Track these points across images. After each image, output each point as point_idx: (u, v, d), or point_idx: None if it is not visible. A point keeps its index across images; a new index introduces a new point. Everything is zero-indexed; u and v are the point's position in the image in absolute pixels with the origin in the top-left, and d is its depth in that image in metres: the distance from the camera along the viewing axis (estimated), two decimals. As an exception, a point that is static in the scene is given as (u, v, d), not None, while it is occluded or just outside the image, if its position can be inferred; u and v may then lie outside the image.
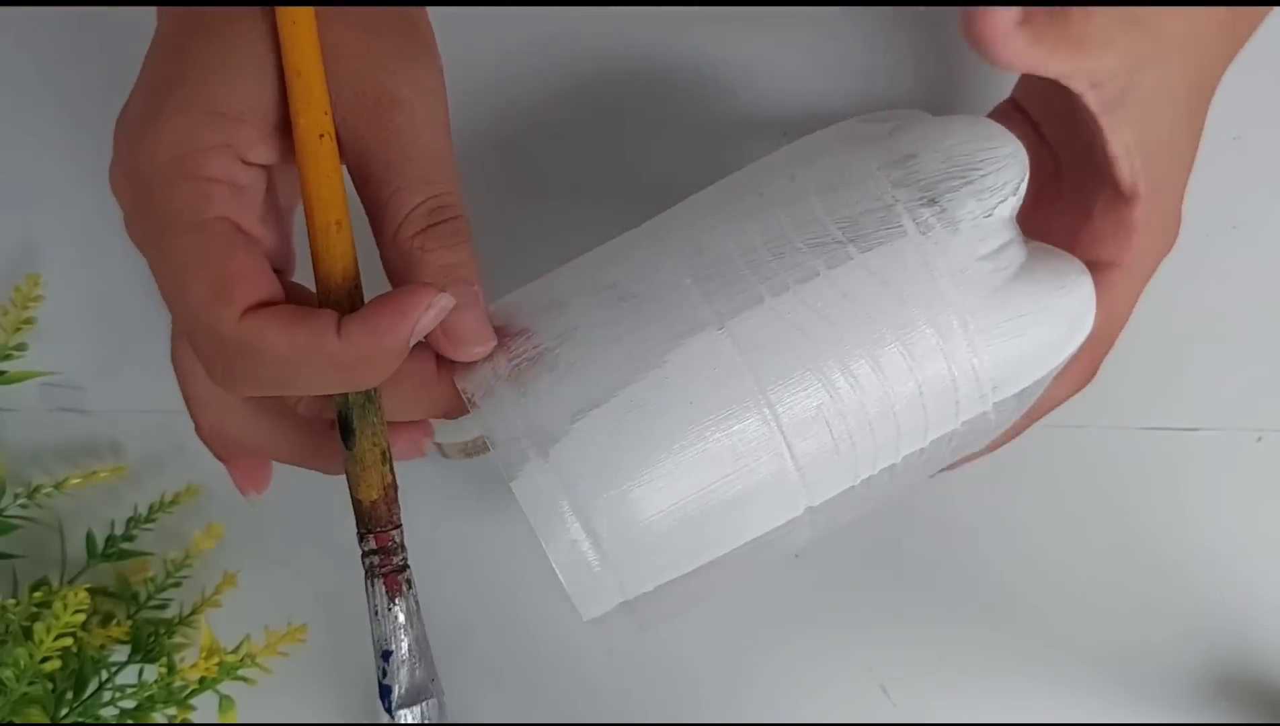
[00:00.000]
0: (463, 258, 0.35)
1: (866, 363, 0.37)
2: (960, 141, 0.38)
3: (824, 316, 0.36)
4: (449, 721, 0.39)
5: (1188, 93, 0.42)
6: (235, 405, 0.39)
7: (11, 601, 0.47)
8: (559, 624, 0.52)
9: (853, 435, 0.37)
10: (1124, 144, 0.40)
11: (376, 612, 0.38)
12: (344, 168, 0.36)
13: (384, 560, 0.38)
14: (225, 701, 0.49)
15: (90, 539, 0.51)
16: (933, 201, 0.37)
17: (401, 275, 0.35)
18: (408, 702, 0.38)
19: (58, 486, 0.51)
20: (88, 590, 0.46)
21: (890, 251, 0.37)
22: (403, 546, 0.38)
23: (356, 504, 0.38)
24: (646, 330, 0.37)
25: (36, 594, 0.47)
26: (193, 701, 0.48)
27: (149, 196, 0.33)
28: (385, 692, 0.38)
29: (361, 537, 0.38)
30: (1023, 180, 0.38)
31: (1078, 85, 0.38)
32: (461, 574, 0.52)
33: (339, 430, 0.37)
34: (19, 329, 0.53)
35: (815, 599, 0.51)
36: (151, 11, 0.37)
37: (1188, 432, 0.52)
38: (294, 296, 0.36)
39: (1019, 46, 0.35)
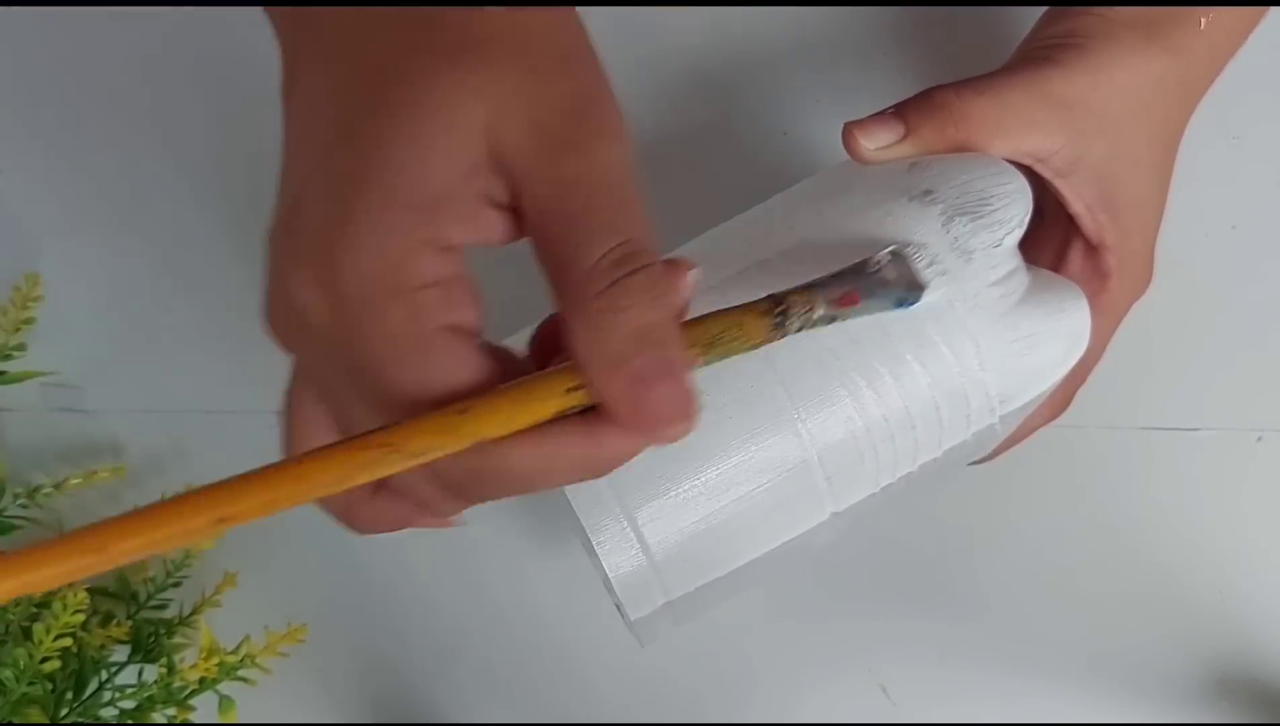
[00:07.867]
0: (661, 317, 0.29)
1: (890, 379, 0.40)
2: (973, 177, 0.41)
3: (851, 338, 0.39)
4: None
5: (1148, 154, 0.44)
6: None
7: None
8: (559, 624, 0.52)
9: (876, 446, 0.40)
10: (1084, 204, 0.44)
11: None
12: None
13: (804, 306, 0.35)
14: (225, 701, 0.49)
15: (90, 539, 0.51)
16: (948, 233, 0.40)
17: (587, 349, 0.29)
18: (907, 288, 0.38)
19: (57, 487, 0.51)
20: (88, 590, 0.45)
21: None
22: (801, 298, 0.35)
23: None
24: None
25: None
26: (193, 701, 0.48)
27: (358, 321, 0.29)
28: (907, 301, 0.38)
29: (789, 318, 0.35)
30: (1027, 212, 0.41)
31: (1023, 160, 0.42)
32: (461, 574, 0.52)
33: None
34: (19, 328, 0.53)
35: (815, 599, 0.51)
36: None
37: (1188, 432, 0.52)
38: (503, 368, 0.32)
39: (874, 147, 0.42)
